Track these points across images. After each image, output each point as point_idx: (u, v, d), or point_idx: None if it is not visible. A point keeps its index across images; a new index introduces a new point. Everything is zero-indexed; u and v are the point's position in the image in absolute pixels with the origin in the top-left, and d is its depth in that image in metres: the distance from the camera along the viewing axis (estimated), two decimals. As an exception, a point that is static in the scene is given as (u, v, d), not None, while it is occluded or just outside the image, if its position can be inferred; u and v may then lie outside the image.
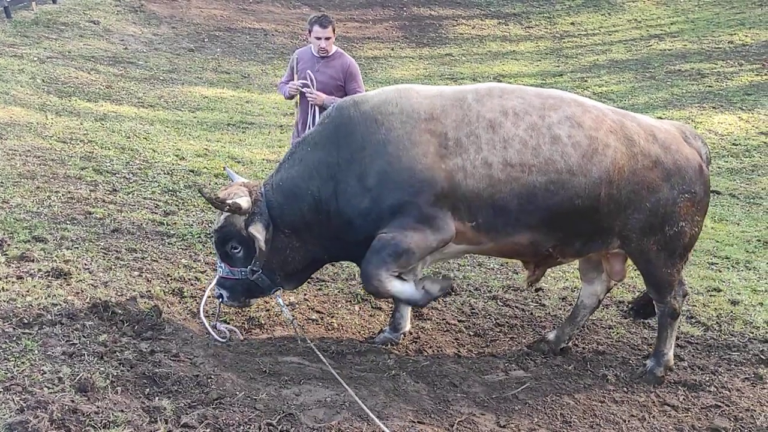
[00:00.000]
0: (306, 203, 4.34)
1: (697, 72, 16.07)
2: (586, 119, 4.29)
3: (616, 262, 4.71)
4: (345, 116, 4.33)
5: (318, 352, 4.33)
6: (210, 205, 7.07)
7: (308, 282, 5.70)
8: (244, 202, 4.29)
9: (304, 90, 6.04)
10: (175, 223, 6.52)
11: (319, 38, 6.01)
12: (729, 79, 15.53)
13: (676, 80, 15.75)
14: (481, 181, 4.17)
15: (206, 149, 9.35)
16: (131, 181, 7.52)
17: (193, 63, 14.99)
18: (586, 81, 16.19)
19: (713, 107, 13.92)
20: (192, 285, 5.24)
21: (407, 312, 4.90)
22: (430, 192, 4.15)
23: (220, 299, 4.53)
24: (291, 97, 6.27)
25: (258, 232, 4.28)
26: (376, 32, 19.81)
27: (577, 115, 4.28)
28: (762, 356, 4.96)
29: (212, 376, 3.95)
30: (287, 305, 4.92)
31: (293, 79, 6.28)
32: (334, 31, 6.11)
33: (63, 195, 6.67)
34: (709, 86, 15.20)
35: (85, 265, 5.16)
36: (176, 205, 7.04)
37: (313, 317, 5.15)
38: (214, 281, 4.62)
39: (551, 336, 4.92)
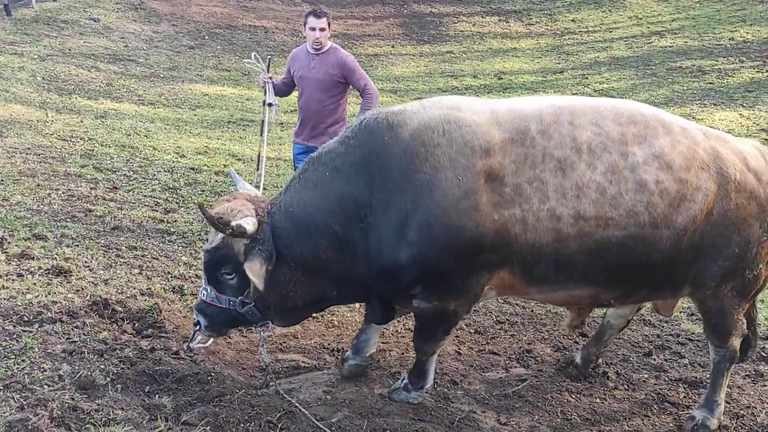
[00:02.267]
0: (324, 239, 3.61)
1: (698, 69, 16.04)
2: (675, 156, 3.56)
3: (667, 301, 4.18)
4: (378, 142, 3.52)
5: (303, 410, 3.76)
6: (209, 204, 7.08)
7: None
8: (250, 224, 3.53)
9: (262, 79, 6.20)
10: (175, 220, 6.52)
11: (314, 29, 5.98)
12: (730, 75, 15.50)
13: (677, 77, 15.72)
14: (544, 236, 3.48)
15: (207, 147, 9.34)
16: (131, 178, 7.52)
17: (194, 60, 14.96)
18: (587, 78, 16.17)
19: (714, 104, 13.89)
20: (192, 283, 5.24)
21: (375, 336, 4.35)
22: (478, 252, 3.49)
23: (197, 327, 3.83)
24: (280, 94, 6.39)
25: (256, 269, 3.51)
26: (376, 29, 19.79)
27: (666, 151, 3.55)
28: (763, 353, 4.95)
29: (212, 374, 3.96)
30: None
31: (292, 80, 6.30)
32: (329, 24, 6.08)
33: (63, 193, 6.68)
34: (710, 83, 15.17)
35: (86, 262, 5.16)
36: (176, 202, 7.04)
37: (314, 315, 5.13)
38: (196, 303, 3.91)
39: (578, 359, 4.53)
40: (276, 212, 3.72)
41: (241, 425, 3.55)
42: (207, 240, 3.79)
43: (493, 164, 3.44)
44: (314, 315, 5.13)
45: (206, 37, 16.94)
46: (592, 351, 4.52)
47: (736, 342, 4.02)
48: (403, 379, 4.04)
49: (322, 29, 6.01)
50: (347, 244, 3.60)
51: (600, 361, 4.57)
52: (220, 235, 3.61)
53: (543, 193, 3.45)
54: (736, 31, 18.18)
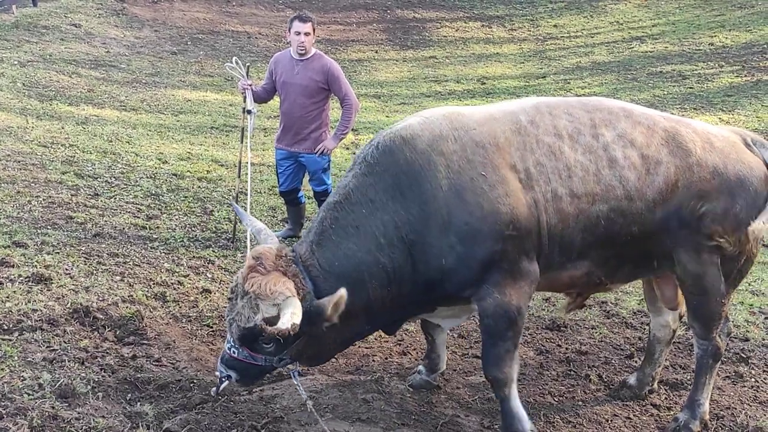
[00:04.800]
0: (376, 281, 3.55)
1: (678, 74, 16.22)
2: (637, 135, 3.88)
3: (666, 288, 4.29)
4: (401, 161, 3.59)
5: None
6: (192, 210, 7.05)
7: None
8: (298, 316, 3.23)
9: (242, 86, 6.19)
10: (157, 227, 6.49)
11: (298, 33, 5.99)
12: (709, 80, 15.69)
13: (658, 82, 15.89)
14: (552, 217, 3.70)
15: (189, 153, 9.31)
16: (113, 185, 7.47)
17: (176, 66, 14.90)
18: (569, 83, 16.29)
19: (694, 108, 14.05)
20: (175, 289, 5.22)
21: (444, 351, 4.38)
22: (517, 234, 3.62)
23: (227, 379, 3.55)
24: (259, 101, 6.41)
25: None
26: (359, 35, 19.81)
27: (628, 131, 3.87)
28: (742, 355, 5.01)
29: (195, 381, 3.94)
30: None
31: (273, 85, 6.30)
32: (314, 29, 6.10)
33: (44, 200, 6.62)
34: (690, 88, 15.35)
35: (66, 270, 5.12)
36: (159, 209, 7.00)
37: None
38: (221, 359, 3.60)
39: (632, 380, 4.47)
40: (318, 274, 3.49)
41: (224, 432, 3.53)
42: (236, 311, 3.42)
43: (504, 156, 3.67)
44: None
45: (189, 43, 16.88)
46: (648, 371, 4.44)
47: (719, 338, 4.06)
48: None
49: (306, 33, 6.02)
50: (394, 274, 3.57)
51: (654, 385, 4.48)
52: (260, 316, 3.31)
53: (545, 176, 3.71)
54: (715, 36, 18.40)
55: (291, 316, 3.18)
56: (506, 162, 3.66)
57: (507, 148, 3.69)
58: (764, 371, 4.83)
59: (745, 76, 15.71)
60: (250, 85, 6.22)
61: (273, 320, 3.24)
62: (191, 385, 3.89)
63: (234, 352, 3.47)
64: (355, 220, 3.55)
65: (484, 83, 16.52)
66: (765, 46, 17.28)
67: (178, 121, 11.12)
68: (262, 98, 6.43)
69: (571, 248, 3.80)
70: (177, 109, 11.81)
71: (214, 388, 3.58)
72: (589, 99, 4.15)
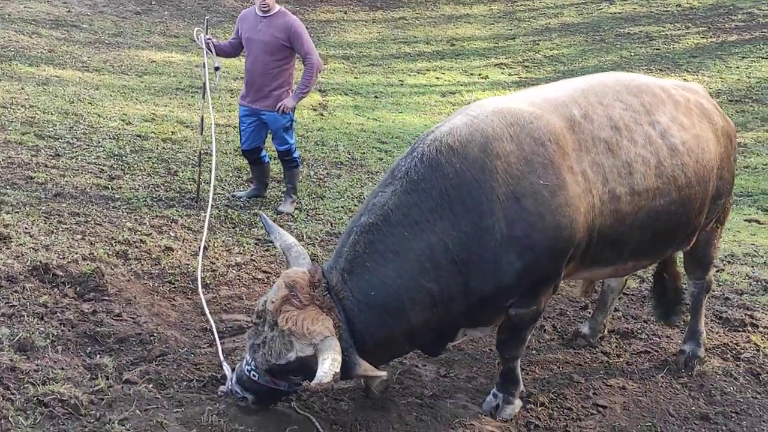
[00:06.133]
0: (418, 306, 3.22)
1: (645, 35, 16.31)
2: (682, 116, 3.75)
3: None
4: (450, 174, 3.21)
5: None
6: (156, 171, 7.03)
7: (255, 243, 5.75)
8: (339, 356, 2.98)
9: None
10: (120, 187, 6.45)
11: None
12: (676, 41, 15.82)
13: (626, 43, 15.97)
14: (608, 218, 3.47)
15: (154, 114, 9.20)
16: (75, 146, 7.38)
17: (140, 26, 14.61)
18: (538, 44, 16.31)
19: (660, 69, 14.18)
20: (137, 247, 5.22)
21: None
22: (573, 247, 3.39)
23: (242, 400, 3.31)
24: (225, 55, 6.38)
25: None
26: (328, -5, 19.55)
27: (676, 114, 3.73)
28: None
29: (155, 335, 3.99)
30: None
31: (239, 41, 6.26)
32: None
33: (3, 160, 6.54)
34: (657, 49, 15.47)
35: (26, 229, 5.09)
36: (122, 169, 6.95)
37: (260, 277, 5.19)
38: (234, 375, 3.36)
39: (585, 329, 4.59)
40: (352, 307, 3.16)
41: (184, 383, 3.59)
42: (266, 342, 3.12)
43: (564, 157, 3.34)
44: (260, 277, 5.20)
45: (153, 2, 16.52)
46: (600, 319, 4.57)
47: (711, 274, 4.43)
48: (496, 395, 3.80)
49: (270, -10, 5.98)
50: (441, 296, 3.25)
51: (605, 332, 4.63)
52: (294, 354, 3.05)
53: (603, 176, 3.43)
54: (682, -3, 18.49)
55: (332, 364, 2.91)
56: (566, 162, 3.33)
57: (566, 147, 3.35)
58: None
59: (711, 37, 15.86)
60: (210, 39, 6.14)
61: (308, 360, 3.02)
62: (151, 338, 3.93)
63: (254, 376, 3.18)
64: (395, 244, 3.18)
65: (454, 44, 16.47)
66: (731, 7, 17.43)
67: (142, 82, 10.95)
68: (227, 52, 6.38)
69: (623, 245, 3.62)
70: (141, 70, 11.63)
71: (222, 387, 3.45)
72: (618, 77, 3.90)
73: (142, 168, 7.08)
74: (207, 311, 4.07)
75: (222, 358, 3.71)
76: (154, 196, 6.39)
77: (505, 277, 3.29)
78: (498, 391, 3.82)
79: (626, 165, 3.49)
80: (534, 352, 4.49)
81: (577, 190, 3.33)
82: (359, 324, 3.16)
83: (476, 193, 3.20)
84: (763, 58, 14.35)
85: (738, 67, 14.06)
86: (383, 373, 3.18)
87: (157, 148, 7.78)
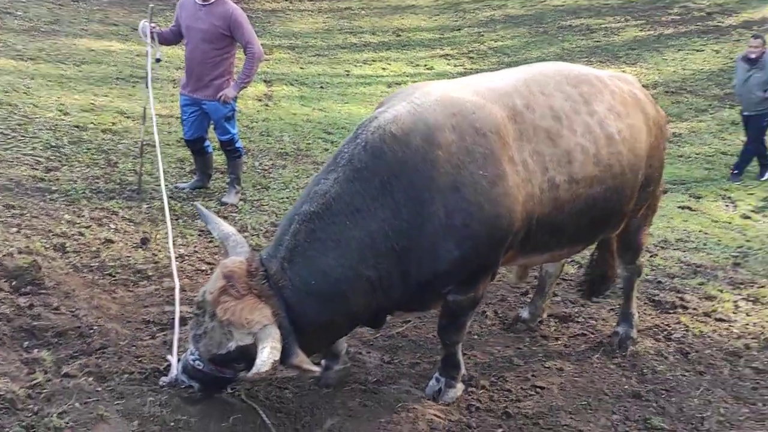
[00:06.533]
0: (359, 294, 3.25)
1: (586, 27, 16.69)
2: (618, 105, 3.86)
3: None
4: (392, 162, 3.22)
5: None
6: (95, 162, 6.88)
7: (199, 234, 5.70)
8: (278, 350, 2.98)
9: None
10: (57, 179, 6.30)
11: None
12: (615, 34, 16.24)
13: (567, 35, 16.32)
14: (547, 205, 3.55)
15: (93, 104, 8.98)
16: (9, 137, 7.15)
17: (78, 14, 14.20)
18: (482, 36, 16.52)
19: (600, 61, 14.54)
20: (75, 240, 5.12)
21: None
22: (511, 235, 3.47)
23: (189, 389, 3.31)
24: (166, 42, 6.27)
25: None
26: (273, -16, 19.35)
27: (612, 103, 3.83)
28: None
29: (95, 327, 3.94)
30: None
31: (180, 28, 6.17)
32: None
33: (-68, 152, 6.31)
34: (597, 41, 15.86)
35: (-43, 222, 4.94)
36: (59, 161, 6.78)
37: (203, 268, 5.15)
38: (179, 365, 3.35)
39: (525, 314, 4.73)
40: (292, 295, 3.14)
41: (125, 375, 3.55)
42: (206, 332, 3.11)
43: (504, 146, 3.38)
44: (204, 268, 5.17)
45: (92, -10, 16.07)
46: (539, 304, 4.72)
47: (642, 259, 4.61)
48: (439, 379, 3.87)
49: (208, -23, 5.91)
50: (380, 282, 3.28)
51: (545, 315, 4.78)
52: (234, 343, 3.05)
53: (543, 165, 3.50)
54: (622, -10, 18.94)
55: (271, 352, 2.91)
56: (506, 152, 3.37)
57: (506, 137, 3.40)
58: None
59: (649, 30, 16.33)
60: (154, 27, 6.03)
61: (249, 349, 3.01)
62: (91, 331, 3.88)
63: (199, 365, 3.17)
64: (337, 233, 3.18)
65: (400, 35, 16.53)
66: (668, 1, 17.96)
67: (80, 71, 10.67)
68: (169, 40, 6.28)
69: (561, 232, 3.72)
70: (79, 59, 11.31)
71: (164, 378, 3.42)
72: (557, 67, 4.00)
73: (80, 159, 6.92)
74: (177, 303, 3.97)
75: (170, 349, 3.66)
76: (93, 188, 6.26)
77: (444, 265, 3.34)
78: (440, 376, 3.90)
79: (566, 154, 3.57)
80: (476, 337, 4.59)
81: (516, 180, 3.39)
82: (299, 311, 3.15)
83: (417, 182, 3.23)
84: (697, 50, 14.85)
85: (674, 59, 14.53)
86: (317, 369, 3.20)
87: (96, 139, 7.61)
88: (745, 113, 9.30)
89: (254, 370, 2.90)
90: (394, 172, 3.22)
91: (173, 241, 5.41)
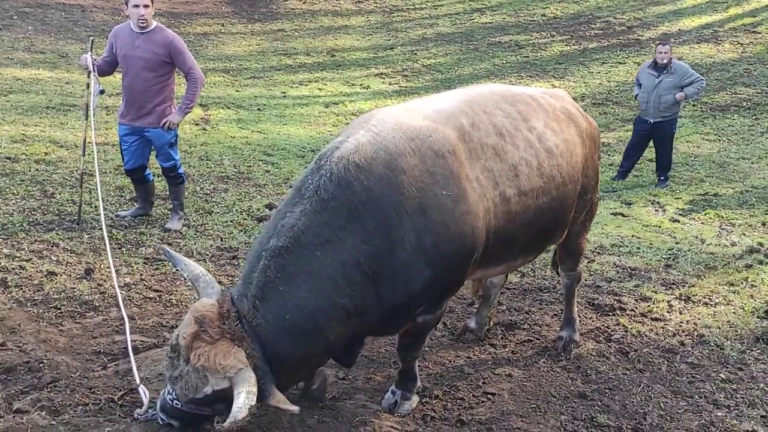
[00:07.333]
0: (335, 323, 3.25)
1: (515, 43, 17.24)
2: (553, 122, 4.12)
3: None
4: (358, 191, 3.25)
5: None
6: (31, 194, 6.73)
7: (144, 262, 5.65)
8: (254, 393, 2.96)
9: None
10: (-8, 212, 6.13)
11: (137, 6, 5.86)
12: (543, 49, 16.83)
13: (497, 51, 16.81)
14: (501, 219, 3.69)
15: (23, 134, 8.76)
16: (-62, 171, 6.94)
17: (2, 42, 13.83)
18: (415, 54, 16.85)
19: (530, 76, 15.05)
20: (16, 274, 5.01)
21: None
22: (476, 252, 3.59)
23: (165, 425, 3.27)
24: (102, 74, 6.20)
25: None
26: (204, 8, 19.29)
27: (547, 120, 4.09)
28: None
29: (44, 361, 3.87)
30: None
31: (115, 58, 6.13)
32: (152, 1, 5.99)
33: None
34: (526, 57, 16.40)
35: None
36: (-7, 194, 6.60)
37: (151, 296, 5.11)
38: (157, 403, 3.31)
39: (473, 324, 4.88)
40: (266, 333, 3.12)
41: (79, 407, 3.51)
42: (182, 377, 3.08)
43: (461, 166, 3.50)
44: (152, 296, 5.12)
45: (15, 17, 15.67)
46: (485, 313, 4.89)
47: (581, 265, 4.85)
48: (395, 392, 3.95)
49: (146, 6, 5.90)
50: (356, 309, 3.28)
51: (491, 323, 4.95)
52: (210, 387, 3.02)
53: (493, 180, 3.64)
54: (547, 7, 19.66)
55: (246, 397, 2.88)
56: (463, 170, 3.50)
57: (460, 156, 3.52)
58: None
59: (574, 44, 16.99)
60: (95, 60, 5.98)
61: (225, 392, 2.99)
62: (40, 365, 3.81)
63: (177, 405, 3.13)
64: (308, 265, 3.16)
65: (334, 55, 16.70)
66: (590, 16, 18.74)
67: (8, 101, 10.40)
68: (104, 71, 6.22)
69: (514, 244, 3.87)
70: (6, 88, 11.04)
71: (138, 410, 3.42)
72: (492, 89, 4.15)
73: (14, 192, 6.75)
74: (128, 331, 3.90)
75: (138, 381, 3.63)
76: (30, 220, 6.13)
77: (417, 286, 3.40)
78: (396, 389, 4.00)
79: (512, 168, 3.74)
80: (427, 348, 4.70)
81: (474, 197, 3.53)
82: (275, 349, 3.13)
83: (385, 207, 3.28)
84: (620, 63, 15.55)
85: (599, 72, 15.17)
86: (295, 408, 3.15)
87: (30, 170, 7.44)
88: (652, 120, 9.43)
89: (230, 418, 2.85)
90: (361, 200, 3.26)
91: (118, 270, 5.38)
